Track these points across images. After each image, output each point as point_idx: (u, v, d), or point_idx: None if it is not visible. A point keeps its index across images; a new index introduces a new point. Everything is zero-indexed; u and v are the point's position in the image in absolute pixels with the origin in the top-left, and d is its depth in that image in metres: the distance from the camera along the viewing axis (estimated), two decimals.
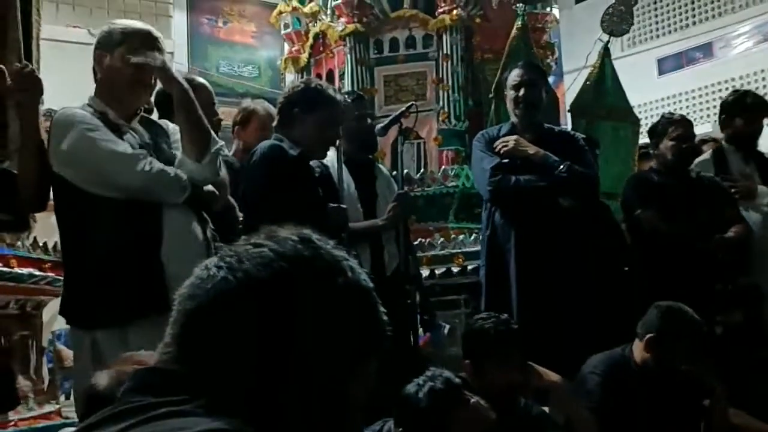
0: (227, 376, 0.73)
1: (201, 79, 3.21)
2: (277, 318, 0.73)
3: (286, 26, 5.13)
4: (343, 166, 3.15)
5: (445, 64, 4.64)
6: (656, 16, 8.93)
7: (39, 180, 2.18)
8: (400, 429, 2.02)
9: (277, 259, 0.75)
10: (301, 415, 0.73)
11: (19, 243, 3.17)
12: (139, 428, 0.68)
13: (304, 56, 5.01)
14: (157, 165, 2.27)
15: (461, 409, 2.00)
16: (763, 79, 7.73)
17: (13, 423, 2.76)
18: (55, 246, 3.10)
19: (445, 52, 4.64)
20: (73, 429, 0.74)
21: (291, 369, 0.73)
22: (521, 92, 3.43)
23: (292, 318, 0.73)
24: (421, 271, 3.79)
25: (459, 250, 4.09)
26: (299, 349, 0.73)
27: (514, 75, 3.50)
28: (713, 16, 8.56)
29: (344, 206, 2.99)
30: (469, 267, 3.94)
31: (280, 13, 5.18)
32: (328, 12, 4.91)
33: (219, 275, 0.76)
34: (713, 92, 8.30)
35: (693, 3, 8.70)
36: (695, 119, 4.81)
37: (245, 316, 0.74)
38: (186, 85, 2.41)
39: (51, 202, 2.41)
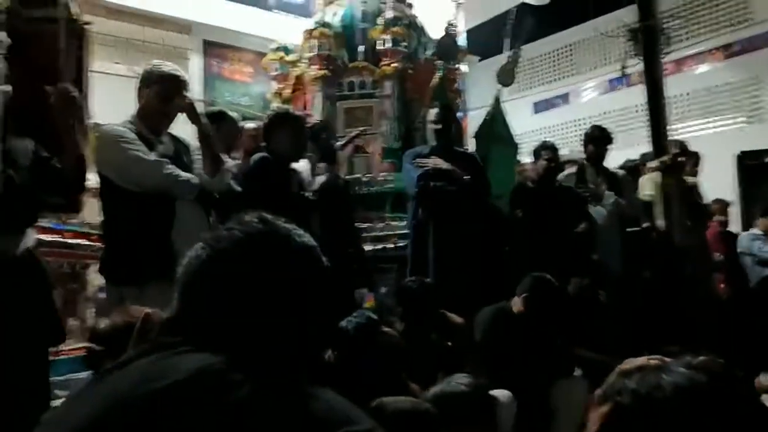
0: (213, 321, 0.70)
1: (232, 114, 3.11)
2: (244, 276, 0.72)
3: (274, 69, 5.02)
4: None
5: (386, 101, 4.60)
6: (532, 74, 9.08)
7: (75, 175, 2.07)
8: (335, 352, 1.97)
9: (242, 236, 0.74)
10: (270, 346, 0.70)
11: (71, 220, 3.03)
12: (163, 361, 0.67)
13: (287, 92, 4.91)
14: (175, 171, 2.20)
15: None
16: (605, 118, 7.90)
17: (64, 353, 2.66)
18: (101, 223, 2.99)
19: (386, 92, 4.60)
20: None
21: (259, 312, 0.71)
22: (437, 126, 3.44)
23: (256, 274, 0.72)
24: (365, 247, 3.77)
25: (393, 233, 4.08)
26: (262, 296, 0.71)
27: (433, 113, 3.51)
28: (569, 75, 8.75)
29: None
30: (399, 244, 3.94)
31: (270, 60, 5.07)
32: (305, 61, 4.82)
33: (203, 254, 0.74)
34: (569, 127, 8.49)
35: (555, 66, 8.88)
36: (558, 146, 4.90)
37: (219, 278, 0.72)
38: (206, 121, 2.35)
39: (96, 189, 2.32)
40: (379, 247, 4.00)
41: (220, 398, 0.60)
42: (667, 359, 0.62)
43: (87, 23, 2.50)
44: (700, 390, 0.57)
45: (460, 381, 1.70)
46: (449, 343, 2.73)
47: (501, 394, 2.18)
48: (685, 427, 0.56)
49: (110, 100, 3.02)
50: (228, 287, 0.71)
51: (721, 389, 0.57)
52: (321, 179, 3.31)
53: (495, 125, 4.45)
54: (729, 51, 7.03)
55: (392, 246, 3.99)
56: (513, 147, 4.63)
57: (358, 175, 4.20)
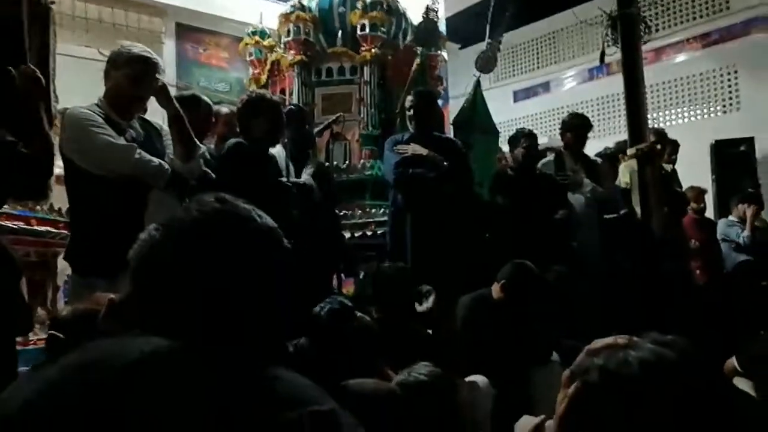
0: (165, 304, 0.68)
1: (206, 98, 3.01)
2: (199, 256, 0.69)
3: (251, 54, 4.93)
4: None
5: (365, 87, 4.54)
6: (513, 61, 9.10)
7: (42, 160, 2.00)
8: (309, 338, 1.89)
9: (198, 216, 0.71)
10: (226, 328, 0.68)
11: (38, 207, 2.96)
12: (114, 345, 0.65)
13: (263, 77, 4.82)
14: (145, 156, 2.15)
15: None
16: (584, 107, 7.95)
17: (32, 342, 2.61)
18: (68, 210, 2.92)
19: (365, 79, 4.54)
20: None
21: (214, 293, 0.68)
22: (410, 112, 3.43)
23: (213, 255, 0.69)
24: (344, 234, 3.75)
25: (372, 220, 4.06)
26: (218, 277, 0.68)
27: (410, 99, 3.49)
28: (550, 63, 8.78)
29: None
30: (378, 232, 3.92)
31: (246, 44, 4.98)
32: (282, 45, 4.75)
33: (156, 234, 0.71)
34: (550, 115, 8.53)
35: (537, 53, 8.90)
36: (537, 133, 4.88)
37: (173, 259, 0.70)
38: (177, 105, 2.28)
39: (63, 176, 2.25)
40: (358, 234, 3.98)
41: (173, 381, 0.58)
42: (634, 338, 0.62)
43: (52, 2, 2.42)
44: (668, 365, 0.57)
45: (420, 371, 1.69)
46: (429, 331, 2.73)
47: (478, 379, 2.19)
48: (653, 402, 0.55)
49: (79, 85, 2.95)
50: (182, 268, 0.69)
51: (687, 364, 0.57)
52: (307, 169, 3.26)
53: (475, 113, 4.44)
54: (706, 40, 7.11)
55: (371, 233, 3.98)
56: (495, 135, 4.63)
57: (336, 163, 4.16)
